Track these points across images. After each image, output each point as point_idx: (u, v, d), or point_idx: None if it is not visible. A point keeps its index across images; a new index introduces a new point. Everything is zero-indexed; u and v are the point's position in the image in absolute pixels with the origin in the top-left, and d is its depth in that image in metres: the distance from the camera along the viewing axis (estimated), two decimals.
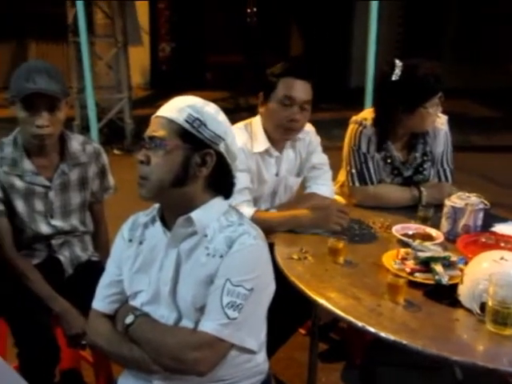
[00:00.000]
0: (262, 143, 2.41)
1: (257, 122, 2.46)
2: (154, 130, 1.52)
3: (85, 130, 6.72)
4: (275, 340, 2.00)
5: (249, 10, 11.76)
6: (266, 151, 2.43)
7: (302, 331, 2.97)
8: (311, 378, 2.42)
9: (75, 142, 2.29)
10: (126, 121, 7.43)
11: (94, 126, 6.10)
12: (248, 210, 2.24)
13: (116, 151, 6.80)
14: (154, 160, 1.50)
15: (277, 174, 2.50)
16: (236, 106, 8.64)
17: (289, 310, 2.14)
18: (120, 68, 7.48)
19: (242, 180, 2.24)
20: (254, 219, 2.16)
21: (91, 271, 2.26)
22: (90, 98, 5.95)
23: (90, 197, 2.37)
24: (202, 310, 1.48)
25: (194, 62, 11.22)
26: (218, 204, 1.57)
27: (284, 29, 11.40)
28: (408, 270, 1.85)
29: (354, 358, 2.90)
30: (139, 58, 10.12)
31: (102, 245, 2.48)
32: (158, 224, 1.59)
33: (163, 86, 10.02)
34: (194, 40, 11.23)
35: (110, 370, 2.32)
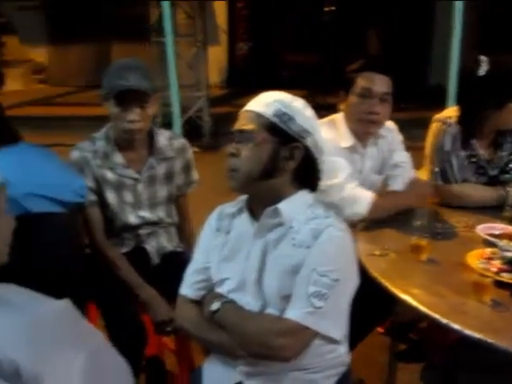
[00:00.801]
0: (348, 139, 2.43)
1: (340, 119, 2.48)
2: (244, 123, 1.57)
3: (166, 126, 6.90)
4: (355, 335, 2.01)
5: (326, 9, 11.72)
6: (352, 147, 2.45)
7: (380, 330, 2.96)
8: (391, 377, 2.42)
9: (162, 137, 2.39)
10: (205, 119, 7.60)
11: (178, 123, 6.31)
12: (368, 193, 2.30)
13: (195, 148, 6.94)
14: (243, 153, 1.55)
15: (360, 172, 2.51)
16: (313, 105, 8.62)
17: (370, 306, 2.14)
18: (199, 67, 7.66)
19: (345, 165, 2.31)
20: (377, 203, 2.27)
21: (176, 261, 2.38)
22: (175, 96, 6.17)
23: (175, 190, 2.46)
24: (287, 298, 1.52)
25: (271, 60, 11.31)
26: (304, 197, 1.61)
27: (361, 28, 11.29)
28: (494, 269, 1.82)
29: (433, 358, 2.86)
30: (217, 57, 10.31)
31: (187, 237, 2.56)
32: (245, 214, 1.64)
33: (240, 85, 10.16)
34: (270, 39, 11.33)
35: (191, 357, 2.40)
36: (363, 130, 2.43)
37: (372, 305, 2.16)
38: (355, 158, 2.47)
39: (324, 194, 1.91)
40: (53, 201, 1.99)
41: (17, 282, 1.25)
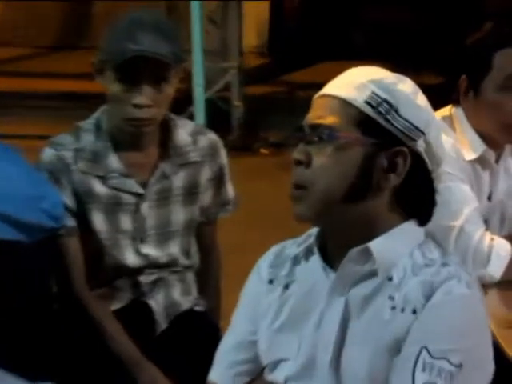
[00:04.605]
0: (475, 147, 2.41)
1: (458, 115, 2.46)
2: (320, 115, 1.57)
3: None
4: None
5: None
6: (481, 159, 2.42)
7: None
8: None
9: (183, 131, 2.41)
10: (234, 103, 7.60)
11: (201, 108, 6.39)
12: (505, 246, 2.30)
13: None
14: (317, 160, 1.55)
15: (489, 198, 2.49)
16: None
17: None
18: (228, 25, 7.72)
19: (469, 196, 2.30)
20: None
21: (193, 327, 2.44)
22: (198, 67, 6.27)
23: (198, 214, 2.47)
24: None
25: (336, 17, 11.33)
26: (410, 231, 1.60)
27: None
28: None
29: None
30: (255, 11, 10.37)
31: (212, 288, 2.59)
32: (316, 258, 1.63)
33: (288, 53, 10.18)
34: None
35: None
36: (508, 138, 2.43)
37: None
38: (482, 175, 2.44)
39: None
40: (11, 223, 2.03)
41: None
